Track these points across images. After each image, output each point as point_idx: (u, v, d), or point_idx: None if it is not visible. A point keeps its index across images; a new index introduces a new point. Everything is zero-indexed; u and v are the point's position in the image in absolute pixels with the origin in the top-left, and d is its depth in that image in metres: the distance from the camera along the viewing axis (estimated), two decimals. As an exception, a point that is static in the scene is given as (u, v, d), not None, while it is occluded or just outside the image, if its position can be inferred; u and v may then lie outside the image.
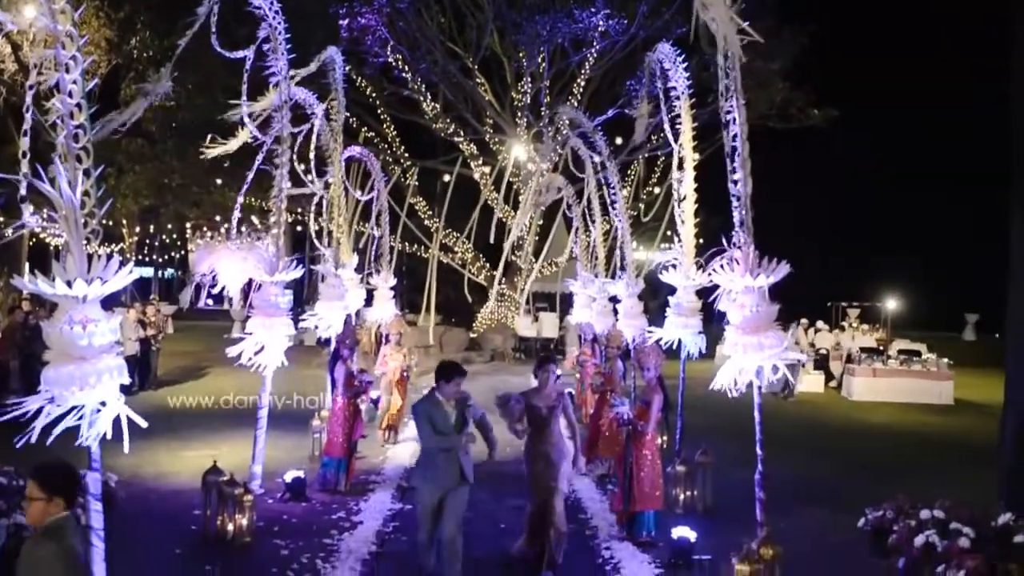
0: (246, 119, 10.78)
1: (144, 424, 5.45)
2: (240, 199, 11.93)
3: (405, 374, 14.19)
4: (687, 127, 10.26)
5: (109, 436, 5.31)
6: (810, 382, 21.96)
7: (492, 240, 29.94)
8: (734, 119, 7.25)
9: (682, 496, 10.12)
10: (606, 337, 15.23)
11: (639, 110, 11.62)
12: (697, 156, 10.54)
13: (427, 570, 7.32)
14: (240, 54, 10.41)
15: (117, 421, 5.35)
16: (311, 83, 12.16)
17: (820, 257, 33.48)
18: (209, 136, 11.54)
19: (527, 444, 8.17)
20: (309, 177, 12.80)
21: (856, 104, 30.78)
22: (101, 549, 5.44)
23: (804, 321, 25.11)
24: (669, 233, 11.66)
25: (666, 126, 10.45)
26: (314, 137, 12.50)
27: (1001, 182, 10.18)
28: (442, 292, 29.12)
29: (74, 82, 5.21)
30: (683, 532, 8.19)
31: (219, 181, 29.86)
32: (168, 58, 9.35)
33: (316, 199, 13.70)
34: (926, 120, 39.72)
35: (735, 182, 7.25)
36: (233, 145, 11.51)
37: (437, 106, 28.90)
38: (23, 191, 5.40)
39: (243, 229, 11.46)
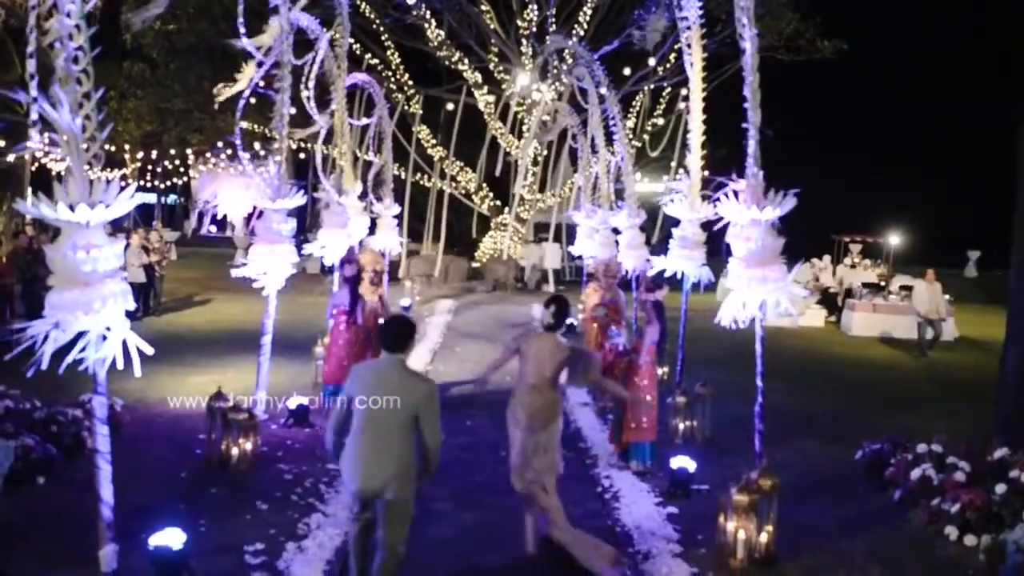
0: (248, 45, 10.55)
1: (150, 350, 5.46)
2: (240, 125, 11.72)
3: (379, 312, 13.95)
4: (697, 57, 10.10)
5: (120, 364, 5.33)
6: (810, 316, 22.06)
7: (495, 170, 29.82)
8: (744, 49, 7.14)
9: (681, 427, 10.20)
10: (604, 268, 15.24)
11: (653, 24, 11.39)
12: (706, 87, 10.41)
13: None
14: None
15: (123, 346, 5.37)
16: (314, 8, 11.94)
17: (824, 191, 33.24)
18: (220, 84, 11.14)
19: (510, 402, 6.75)
20: (311, 105, 12.64)
21: (862, 36, 30.31)
22: (108, 472, 5.49)
23: (816, 261, 25.38)
24: (673, 165, 11.60)
25: (685, 58, 10.24)
26: (316, 65, 12.30)
27: (1007, 119, 10.07)
28: (444, 221, 29.11)
29: (72, 2, 5.10)
30: (682, 462, 8.25)
31: (218, 106, 29.60)
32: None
33: (323, 130, 13.50)
34: (931, 54, 39.23)
35: (745, 111, 7.17)
36: (242, 82, 11.26)
37: (441, 33, 28.47)
38: (34, 115, 5.28)
39: (245, 155, 11.20)
